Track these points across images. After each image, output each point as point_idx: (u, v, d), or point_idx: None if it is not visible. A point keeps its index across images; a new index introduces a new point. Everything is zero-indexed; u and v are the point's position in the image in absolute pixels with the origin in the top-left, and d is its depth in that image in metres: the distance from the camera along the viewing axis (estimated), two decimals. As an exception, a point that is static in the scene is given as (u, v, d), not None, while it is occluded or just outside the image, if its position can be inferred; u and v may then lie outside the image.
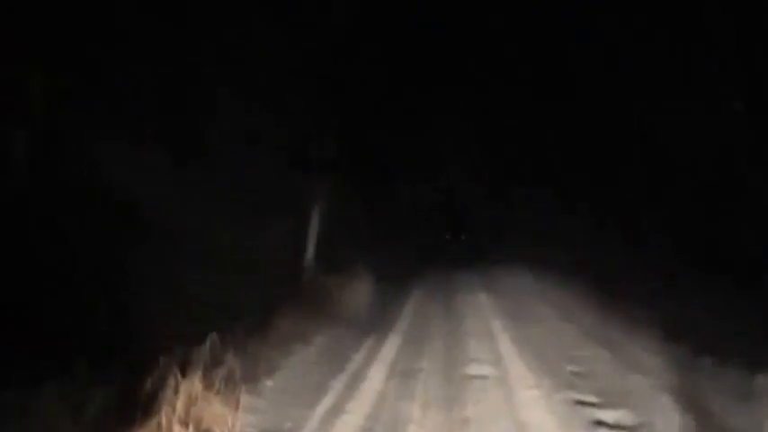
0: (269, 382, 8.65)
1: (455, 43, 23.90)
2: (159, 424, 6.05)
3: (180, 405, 6.43)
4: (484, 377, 9.01)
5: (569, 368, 9.37)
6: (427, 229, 38.55)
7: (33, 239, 8.31)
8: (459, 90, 27.41)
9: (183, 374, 6.87)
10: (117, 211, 9.57)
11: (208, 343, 7.76)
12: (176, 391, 6.58)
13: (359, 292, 16.07)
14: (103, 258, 8.81)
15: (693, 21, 13.16)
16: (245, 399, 7.53)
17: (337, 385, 8.86)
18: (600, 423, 6.95)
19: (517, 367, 9.56)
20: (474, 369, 9.47)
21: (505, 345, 11.17)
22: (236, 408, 7.17)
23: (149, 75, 11.23)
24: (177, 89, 11.52)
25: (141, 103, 11.13)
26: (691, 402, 7.55)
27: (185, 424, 6.18)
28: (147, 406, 6.28)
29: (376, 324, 13.57)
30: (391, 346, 11.32)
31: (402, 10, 20.62)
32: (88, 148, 9.78)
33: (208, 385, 7.04)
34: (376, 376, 9.30)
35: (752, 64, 11.23)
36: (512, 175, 33.24)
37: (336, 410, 7.71)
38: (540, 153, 28.50)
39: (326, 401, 8.10)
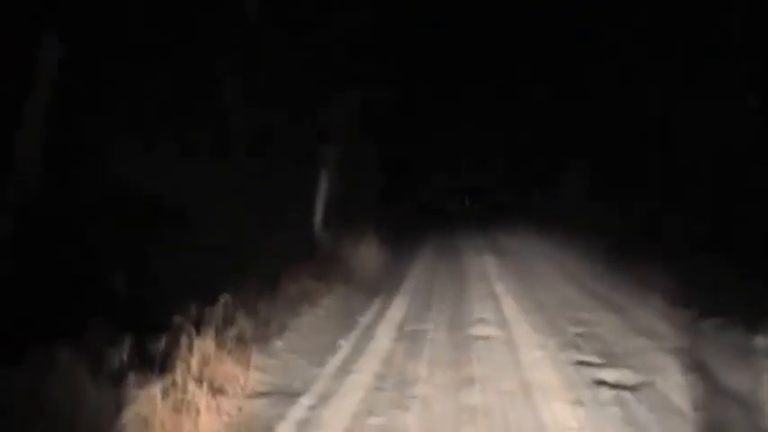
0: (278, 343, 8.84)
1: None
2: (174, 381, 6.24)
3: (194, 363, 6.63)
4: (489, 338, 9.19)
5: (573, 330, 9.53)
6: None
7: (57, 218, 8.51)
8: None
9: (197, 334, 7.06)
10: (138, 199, 9.75)
11: (220, 304, 7.95)
12: (191, 350, 6.77)
13: (366, 255, 16.23)
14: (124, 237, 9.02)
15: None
16: (255, 358, 7.71)
17: (345, 345, 9.07)
18: (601, 383, 7.11)
19: (521, 328, 9.72)
20: (479, 330, 9.66)
21: (510, 306, 11.34)
22: (248, 367, 7.36)
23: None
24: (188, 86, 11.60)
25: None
26: (692, 363, 7.73)
27: (199, 381, 6.37)
28: (162, 364, 6.47)
29: (383, 286, 13.78)
30: (398, 308, 11.53)
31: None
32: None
33: (220, 345, 7.24)
34: (383, 337, 9.51)
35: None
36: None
37: (345, 369, 7.92)
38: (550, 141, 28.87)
39: (335, 361, 8.31)
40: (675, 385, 6.99)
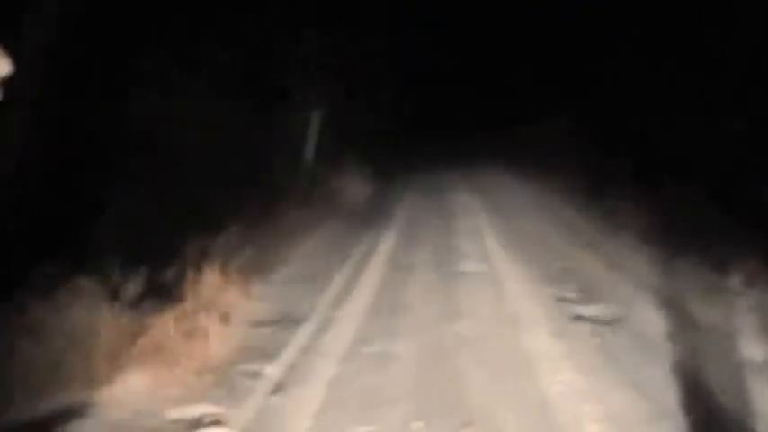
0: (277, 275, 9.26)
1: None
2: (185, 309, 6.67)
3: (203, 293, 7.05)
4: (474, 273, 9.63)
5: (554, 265, 9.99)
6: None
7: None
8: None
9: (204, 264, 7.46)
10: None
11: (224, 235, 8.34)
12: (199, 281, 7.19)
13: (355, 188, 16.58)
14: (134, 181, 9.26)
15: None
16: (256, 288, 8.15)
17: (340, 276, 9.50)
18: (579, 317, 7.58)
19: (504, 264, 10.16)
20: (464, 265, 10.09)
21: (493, 243, 11.77)
22: (250, 296, 7.79)
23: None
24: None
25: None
26: (666, 299, 8.21)
27: (207, 310, 6.80)
28: (174, 293, 6.89)
29: (373, 219, 14.21)
30: (388, 242, 11.97)
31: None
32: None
33: (225, 275, 7.65)
34: (376, 268, 9.95)
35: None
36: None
37: (342, 298, 8.39)
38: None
39: (332, 290, 8.76)
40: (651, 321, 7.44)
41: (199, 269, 7.41)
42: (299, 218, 12.02)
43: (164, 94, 10.61)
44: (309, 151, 16.01)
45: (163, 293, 6.90)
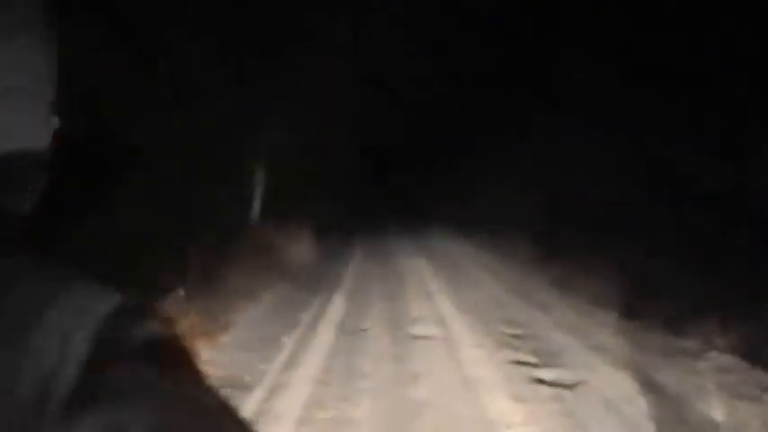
0: (224, 338, 9.05)
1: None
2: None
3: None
4: (428, 337, 9.51)
5: (507, 330, 9.91)
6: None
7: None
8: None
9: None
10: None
11: (171, 298, 8.13)
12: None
13: (303, 251, 16.47)
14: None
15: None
16: (203, 353, 7.92)
17: (290, 341, 9.30)
18: (540, 381, 7.49)
19: (459, 328, 10.05)
20: (418, 329, 9.96)
21: (446, 307, 11.67)
22: (198, 360, 7.56)
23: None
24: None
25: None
26: (623, 361, 8.18)
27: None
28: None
29: (321, 283, 14.04)
30: (338, 306, 11.79)
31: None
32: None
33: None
34: (326, 333, 9.76)
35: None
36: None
37: (292, 364, 8.17)
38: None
39: (281, 356, 8.55)
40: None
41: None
42: (243, 277, 11.80)
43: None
44: (256, 207, 15.90)
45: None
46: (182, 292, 8.33)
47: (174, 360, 0.67)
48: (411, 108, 31.85)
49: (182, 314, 8.14)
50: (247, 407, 6.65)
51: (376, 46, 22.95)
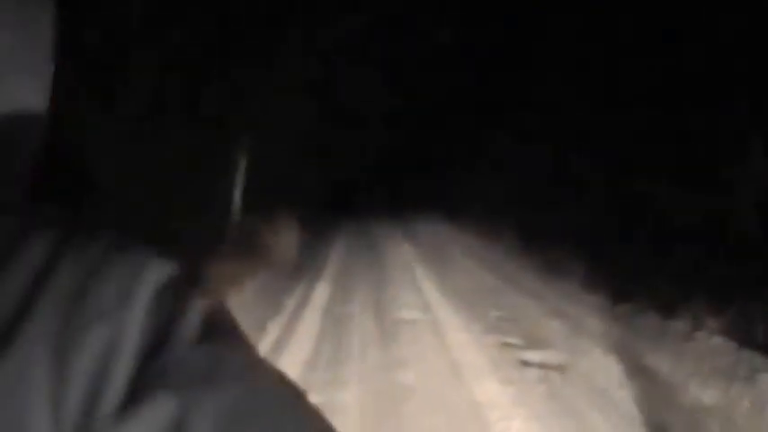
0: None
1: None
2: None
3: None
4: (414, 321, 9.47)
5: (494, 313, 9.89)
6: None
7: None
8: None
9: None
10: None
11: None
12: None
13: (286, 238, 16.38)
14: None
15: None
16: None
17: (275, 327, 9.23)
18: (527, 364, 7.46)
19: (445, 312, 10.04)
20: (404, 313, 9.93)
21: (431, 292, 11.66)
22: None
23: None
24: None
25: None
26: (612, 345, 8.16)
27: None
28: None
29: (305, 269, 14.00)
30: (322, 292, 11.74)
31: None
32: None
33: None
34: (311, 319, 9.70)
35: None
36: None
37: (278, 350, 8.09)
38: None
39: (267, 342, 8.47)
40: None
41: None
42: (227, 267, 11.72)
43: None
44: (237, 196, 15.82)
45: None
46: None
47: (230, 337, 0.61)
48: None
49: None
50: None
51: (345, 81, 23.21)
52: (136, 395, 0.52)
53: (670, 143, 12.91)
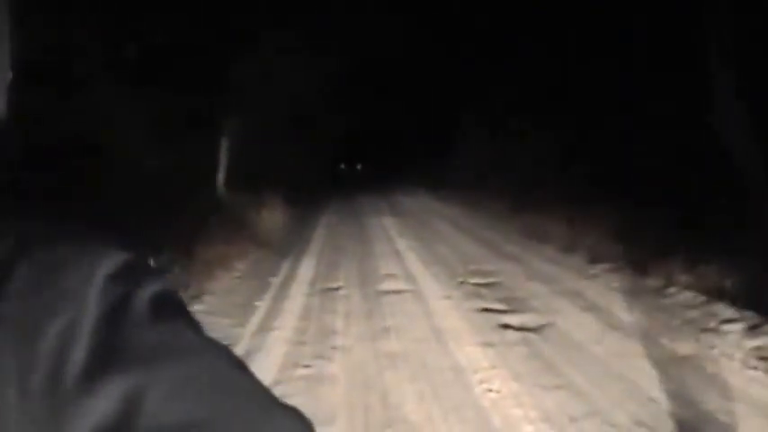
0: (198, 306, 9.14)
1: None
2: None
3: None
4: (398, 291, 9.69)
5: (475, 280, 10.10)
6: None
7: None
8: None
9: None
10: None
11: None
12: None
13: (272, 217, 16.51)
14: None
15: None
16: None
17: (262, 305, 9.43)
18: (507, 326, 7.67)
19: (428, 281, 10.25)
20: (388, 285, 10.16)
21: (414, 263, 11.87)
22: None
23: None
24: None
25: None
26: (588, 303, 8.41)
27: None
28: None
29: (291, 247, 14.19)
30: (308, 267, 11.96)
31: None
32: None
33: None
34: (297, 295, 9.90)
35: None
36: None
37: (266, 327, 8.30)
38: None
39: (255, 320, 8.67)
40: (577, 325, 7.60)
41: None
42: (216, 247, 11.88)
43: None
44: (222, 176, 15.93)
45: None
46: (153, 264, 8.34)
47: (181, 317, 0.67)
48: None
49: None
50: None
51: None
52: (94, 372, 0.58)
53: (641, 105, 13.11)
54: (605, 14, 14.03)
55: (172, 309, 0.67)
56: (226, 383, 0.62)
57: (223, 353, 0.66)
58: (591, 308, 8.21)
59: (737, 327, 7.00)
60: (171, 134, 13.34)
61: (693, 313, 7.64)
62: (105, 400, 0.57)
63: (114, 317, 0.61)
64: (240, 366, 0.66)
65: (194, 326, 0.67)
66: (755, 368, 5.99)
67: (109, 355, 0.59)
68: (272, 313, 8.96)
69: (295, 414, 0.64)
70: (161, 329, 0.63)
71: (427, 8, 25.53)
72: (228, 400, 0.60)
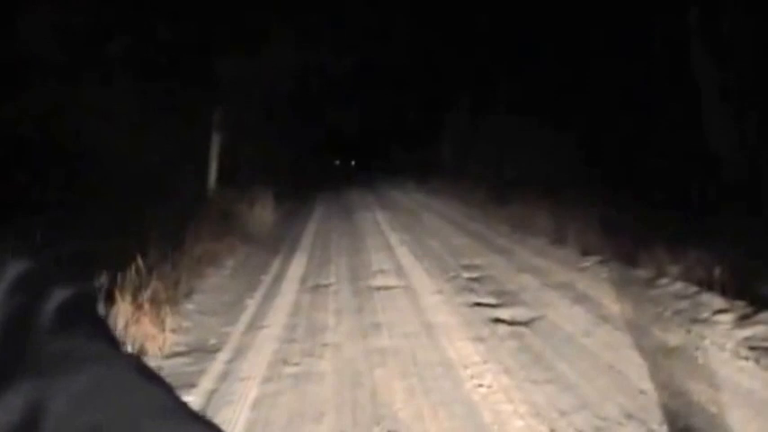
0: (189, 305, 9.12)
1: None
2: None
3: (119, 325, 6.89)
4: (389, 287, 9.68)
5: (466, 274, 10.10)
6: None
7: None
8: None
9: (116, 297, 7.28)
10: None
11: (133, 267, 8.15)
12: (113, 314, 7.02)
13: (263, 213, 16.50)
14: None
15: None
16: (169, 320, 7.99)
17: (253, 303, 9.40)
18: (498, 320, 7.66)
19: (419, 276, 10.24)
20: (379, 280, 10.14)
21: (405, 257, 11.86)
22: (163, 328, 7.63)
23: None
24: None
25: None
26: (578, 295, 8.41)
27: (124, 342, 6.64)
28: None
29: (281, 243, 14.17)
30: (299, 264, 11.92)
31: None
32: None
33: (137, 307, 7.49)
34: (288, 292, 9.87)
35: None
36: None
37: (256, 325, 8.26)
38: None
39: (245, 318, 8.64)
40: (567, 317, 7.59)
41: (111, 301, 7.24)
42: (206, 244, 11.85)
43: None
44: (213, 172, 15.91)
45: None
46: (141, 263, 8.33)
47: (88, 325, 0.66)
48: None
49: (144, 282, 8.17)
50: (213, 369, 6.75)
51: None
52: None
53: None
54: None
55: (79, 317, 0.66)
56: (130, 393, 0.61)
57: (130, 362, 0.64)
58: (581, 300, 8.22)
59: (728, 317, 7.01)
60: (160, 130, 13.31)
61: (684, 304, 7.64)
62: (6, 412, 0.56)
63: (14, 328, 0.60)
64: (149, 376, 0.64)
65: (103, 334, 0.66)
66: (746, 358, 5.98)
67: (10, 366, 0.58)
68: (263, 311, 8.92)
69: (206, 427, 0.63)
70: (65, 339, 0.62)
71: (424, 4, 25.61)
72: (132, 410, 0.59)
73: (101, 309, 6.87)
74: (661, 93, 12.77)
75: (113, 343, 0.66)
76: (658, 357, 6.16)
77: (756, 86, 10.45)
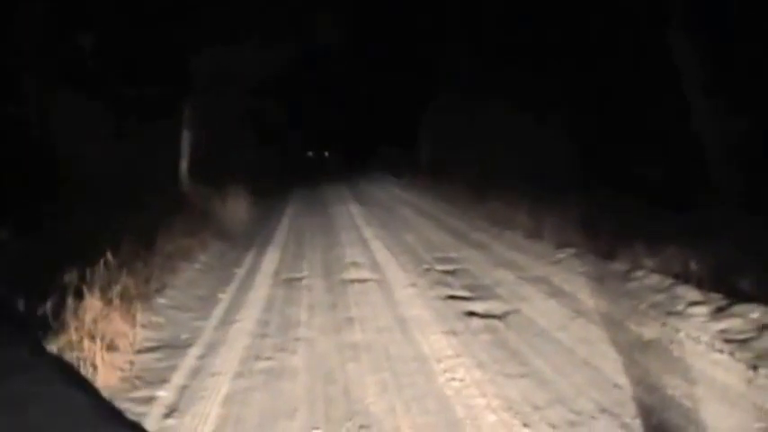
0: (161, 300, 9.02)
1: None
2: (71, 340, 6.41)
3: (87, 321, 6.79)
4: (363, 280, 9.63)
5: (440, 268, 10.06)
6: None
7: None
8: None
9: (84, 293, 7.17)
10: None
11: (102, 263, 8.04)
12: (81, 310, 6.91)
13: (235, 208, 16.41)
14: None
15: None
16: (140, 315, 7.89)
17: (225, 297, 9.32)
18: (472, 314, 7.62)
19: (393, 270, 10.19)
20: (353, 274, 10.09)
21: (379, 250, 11.81)
22: (134, 324, 7.54)
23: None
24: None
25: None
26: (553, 289, 8.39)
27: (93, 338, 6.54)
28: (56, 324, 6.60)
29: (255, 238, 14.09)
30: (272, 258, 11.85)
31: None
32: None
33: (107, 302, 7.38)
34: (261, 286, 9.80)
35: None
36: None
37: (228, 320, 8.18)
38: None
39: (217, 312, 8.57)
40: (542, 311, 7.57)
41: (80, 298, 7.12)
42: (179, 239, 11.74)
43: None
44: (184, 168, 15.82)
45: (44, 325, 6.58)
46: (110, 258, 8.21)
47: (9, 331, 0.66)
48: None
49: (114, 278, 8.06)
50: (185, 365, 6.68)
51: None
52: None
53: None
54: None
55: (2, 324, 0.66)
56: (54, 398, 0.59)
57: (54, 367, 0.64)
58: (556, 294, 8.21)
59: (703, 309, 6.99)
60: (131, 127, 13.24)
61: (659, 297, 7.62)
62: None
63: None
64: (73, 381, 0.63)
65: (24, 339, 0.66)
66: (721, 351, 5.97)
67: None
68: (235, 305, 8.84)
69: (130, 428, 0.62)
70: None
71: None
72: (55, 414, 0.57)
73: (69, 303, 6.83)
74: (642, 87, 12.81)
75: (37, 349, 0.66)
76: (633, 351, 6.14)
77: (738, 81, 10.50)
